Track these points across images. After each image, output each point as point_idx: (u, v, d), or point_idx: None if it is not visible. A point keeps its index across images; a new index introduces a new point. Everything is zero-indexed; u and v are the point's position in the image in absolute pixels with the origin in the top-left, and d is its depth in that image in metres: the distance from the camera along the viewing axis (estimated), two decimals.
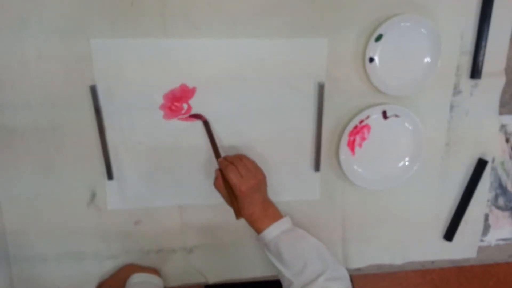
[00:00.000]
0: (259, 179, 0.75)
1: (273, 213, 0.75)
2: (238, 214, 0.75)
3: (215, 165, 0.79)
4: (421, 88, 0.81)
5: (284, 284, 0.71)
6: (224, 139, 0.80)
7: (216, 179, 0.75)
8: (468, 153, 0.89)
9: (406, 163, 0.86)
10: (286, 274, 0.70)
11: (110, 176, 0.79)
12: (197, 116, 0.78)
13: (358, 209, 0.89)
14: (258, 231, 0.74)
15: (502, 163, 0.92)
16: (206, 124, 0.78)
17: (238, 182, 0.71)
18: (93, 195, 0.81)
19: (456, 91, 0.84)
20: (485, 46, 0.81)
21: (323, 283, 0.66)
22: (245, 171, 0.73)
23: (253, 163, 0.76)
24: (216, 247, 0.87)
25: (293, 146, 0.83)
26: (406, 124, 0.83)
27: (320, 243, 0.74)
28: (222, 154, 0.78)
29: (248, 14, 0.74)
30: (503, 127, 0.89)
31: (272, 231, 0.73)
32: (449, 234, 0.93)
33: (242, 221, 0.85)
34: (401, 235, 0.92)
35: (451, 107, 0.85)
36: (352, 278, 1.19)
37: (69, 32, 0.71)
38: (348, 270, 0.93)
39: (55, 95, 0.74)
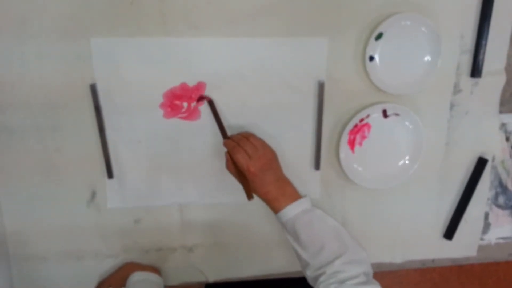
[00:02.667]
0: (269, 157, 0.73)
1: (291, 193, 0.73)
2: (250, 196, 0.73)
3: (215, 163, 0.79)
4: (421, 87, 0.81)
5: (301, 264, 0.71)
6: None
7: (226, 162, 0.74)
8: (468, 151, 0.89)
9: (406, 161, 0.86)
10: (303, 255, 0.69)
11: (110, 174, 0.79)
12: (202, 97, 0.77)
13: (358, 208, 0.89)
14: (275, 211, 0.73)
15: (502, 162, 0.92)
16: (211, 103, 0.77)
17: (245, 164, 0.70)
18: (93, 194, 0.81)
19: (456, 90, 0.84)
20: (485, 45, 0.81)
21: (340, 266, 0.65)
22: (253, 151, 0.71)
23: (261, 141, 0.74)
24: (216, 245, 0.87)
25: (293, 145, 0.83)
26: (406, 123, 0.83)
27: (339, 225, 0.72)
28: (229, 133, 0.78)
29: (248, 13, 0.74)
30: (503, 125, 0.89)
31: (289, 212, 0.71)
32: (449, 233, 0.93)
33: (243, 219, 0.85)
34: (401, 234, 0.92)
35: (451, 106, 0.85)
36: None
37: (69, 31, 0.71)
38: None
39: (55, 95, 0.74)
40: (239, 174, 0.73)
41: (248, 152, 0.71)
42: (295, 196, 0.73)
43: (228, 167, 0.74)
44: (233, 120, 0.79)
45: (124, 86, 0.75)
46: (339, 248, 0.67)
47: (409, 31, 0.77)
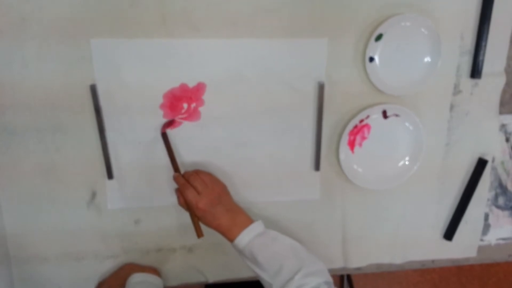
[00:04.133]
0: (217, 192, 0.75)
1: (242, 221, 0.74)
2: (199, 233, 0.74)
3: (214, 163, 0.78)
4: (421, 88, 0.81)
5: (264, 286, 0.72)
6: (224, 140, 0.80)
7: (178, 198, 0.75)
8: (468, 152, 0.89)
9: (406, 162, 0.86)
10: (265, 277, 0.70)
11: (110, 175, 0.79)
12: (165, 126, 0.78)
13: (358, 209, 0.89)
14: (230, 240, 0.73)
15: (502, 163, 0.92)
16: (164, 136, 0.77)
17: (194, 200, 0.72)
18: (93, 195, 0.81)
19: (456, 90, 0.84)
20: (485, 45, 0.81)
21: (300, 280, 0.66)
22: (202, 187, 0.73)
23: (210, 176, 0.76)
24: (216, 246, 0.87)
25: (293, 146, 0.83)
26: (406, 124, 0.83)
27: (294, 242, 0.73)
28: (182, 169, 0.78)
29: (248, 14, 0.74)
30: (503, 126, 0.89)
31: (243, 238, 0.72)
32: (449, 234, 0.93)
33: None
34: (401, 234, 0.92)
35: (451, 107, 0.85)
36: (351, 277, 1.20)
37: (69, 32, 0.71)
38: (348, 269, 0.94)
39: (55, 96, 0.74)
40: (190, 210, 0.74)
41: (197, 189, 0.72)
42: (248, 223, 0.74)
43: (179, 203, 0.75)
44: (233, 122, 0.80)
45: (124, 87, 0.75)
46: (296, 264, 0.68)
47: (409, 32, 0.77)
